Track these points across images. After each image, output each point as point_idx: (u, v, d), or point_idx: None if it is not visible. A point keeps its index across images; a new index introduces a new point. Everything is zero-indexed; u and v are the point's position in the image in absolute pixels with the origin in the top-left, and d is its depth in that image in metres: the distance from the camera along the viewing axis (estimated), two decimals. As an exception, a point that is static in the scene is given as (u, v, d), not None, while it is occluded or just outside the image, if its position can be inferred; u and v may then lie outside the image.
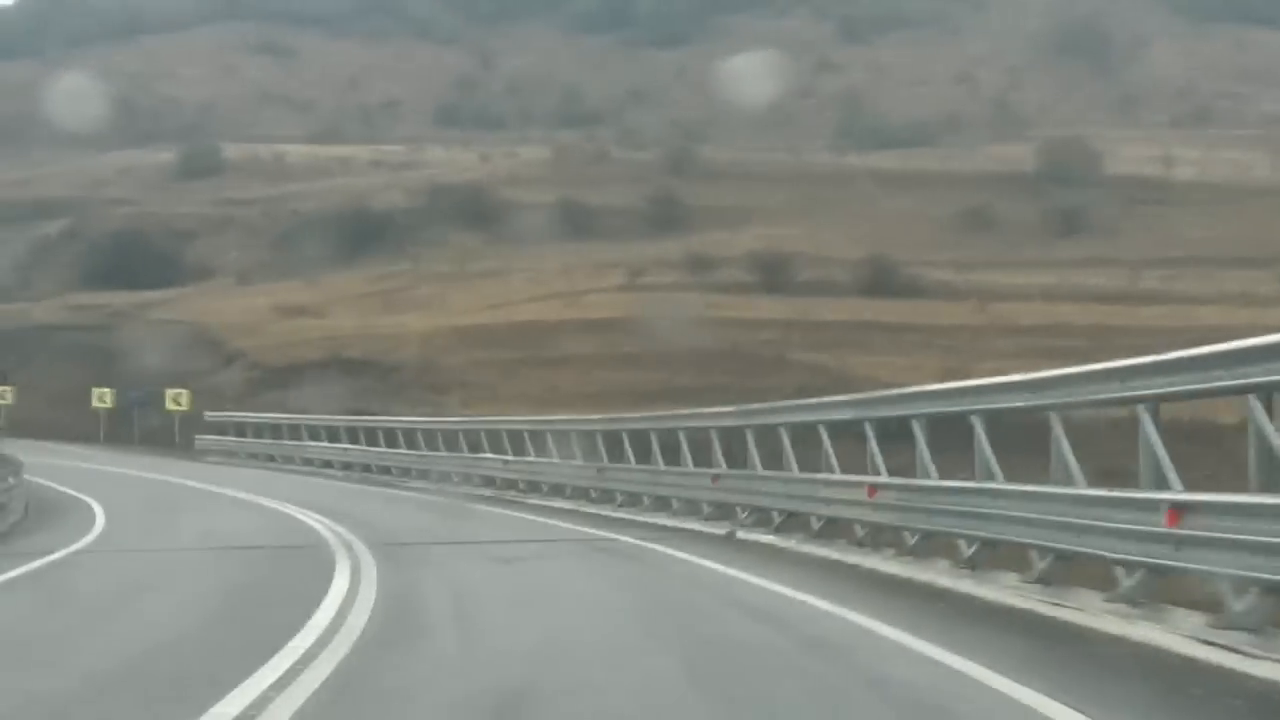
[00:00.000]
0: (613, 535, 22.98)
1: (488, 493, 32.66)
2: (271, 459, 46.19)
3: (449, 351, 69.81)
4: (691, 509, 25.15)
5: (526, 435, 32.21)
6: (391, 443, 37.81)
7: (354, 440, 39.14)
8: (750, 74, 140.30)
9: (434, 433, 36.22)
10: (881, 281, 77.40)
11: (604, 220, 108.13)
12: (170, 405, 59.98)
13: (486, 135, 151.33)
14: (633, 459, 27.39)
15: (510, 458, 32.05)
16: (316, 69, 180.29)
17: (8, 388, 70.84)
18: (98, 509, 29.85)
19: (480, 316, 77.39)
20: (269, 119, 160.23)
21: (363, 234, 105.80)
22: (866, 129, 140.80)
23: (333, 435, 42.16)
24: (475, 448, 33.87)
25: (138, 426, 63.13)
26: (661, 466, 26.28)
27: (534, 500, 30.47)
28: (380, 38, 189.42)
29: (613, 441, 28.20)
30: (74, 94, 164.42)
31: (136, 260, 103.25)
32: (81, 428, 64.14)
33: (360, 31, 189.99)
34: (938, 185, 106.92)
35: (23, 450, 52.56)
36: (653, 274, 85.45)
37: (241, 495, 32.90)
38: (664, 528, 24.16)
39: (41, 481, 36.36)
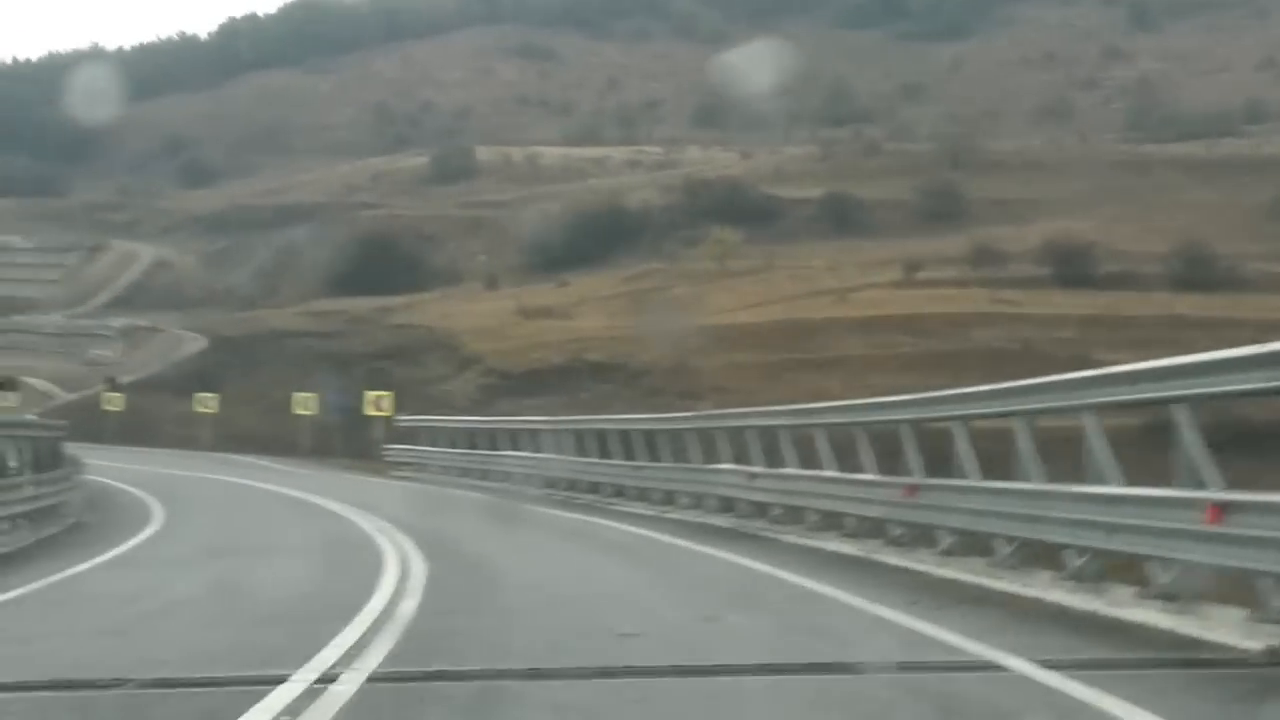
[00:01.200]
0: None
1: (722, 522, 24.15)
2: (466, 473, 39.76)
3: (704, 353, 62.87)
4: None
5: (784, 433, 22.74)
6: (608, 450, 30.45)
7: (561, 447, 32.32)
8: (1029, 65, 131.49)
9: (657, 434, 28.21)
10: (1195, 274, 68.60)
11: (874, 215, 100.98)
12: (370, 410, 53.89)
13: (748, 136, 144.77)
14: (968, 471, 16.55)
15: (760, 470, 23.74)
16: (575, 71, 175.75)
17: (116, 394, 68.75)
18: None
19: (740, 316, 70.46)
20: (525, 122, 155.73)
21: (615, 233, 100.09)
22: (1162, 118, 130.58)
23: (533, 441, 35.44)
24: (711, 455, 25.69)
25: (341, 434, 57.55)
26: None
27: (793, 538, 20.66)
28: (640, 38, 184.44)
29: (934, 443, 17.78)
30: (332, 101, 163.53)
31: (381, 265, 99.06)
32: (291, 438, 58.87)
33: (620, 32, 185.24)
34: (1247, 174, 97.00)
35: (201, 464, 47.97)
36: (931, 269, 77.94)
37: (361, 521, 25.99)
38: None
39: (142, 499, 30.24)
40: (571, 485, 32.26)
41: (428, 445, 45.43)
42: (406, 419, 50.54)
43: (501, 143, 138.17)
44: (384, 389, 60.17)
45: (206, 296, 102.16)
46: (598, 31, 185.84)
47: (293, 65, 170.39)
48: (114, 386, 69.72)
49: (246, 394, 69.68)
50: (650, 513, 26.61)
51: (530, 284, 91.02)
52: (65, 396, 74.69)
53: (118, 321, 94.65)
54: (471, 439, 41.73)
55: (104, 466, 42.62)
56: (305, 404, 58.55)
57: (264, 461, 51.05)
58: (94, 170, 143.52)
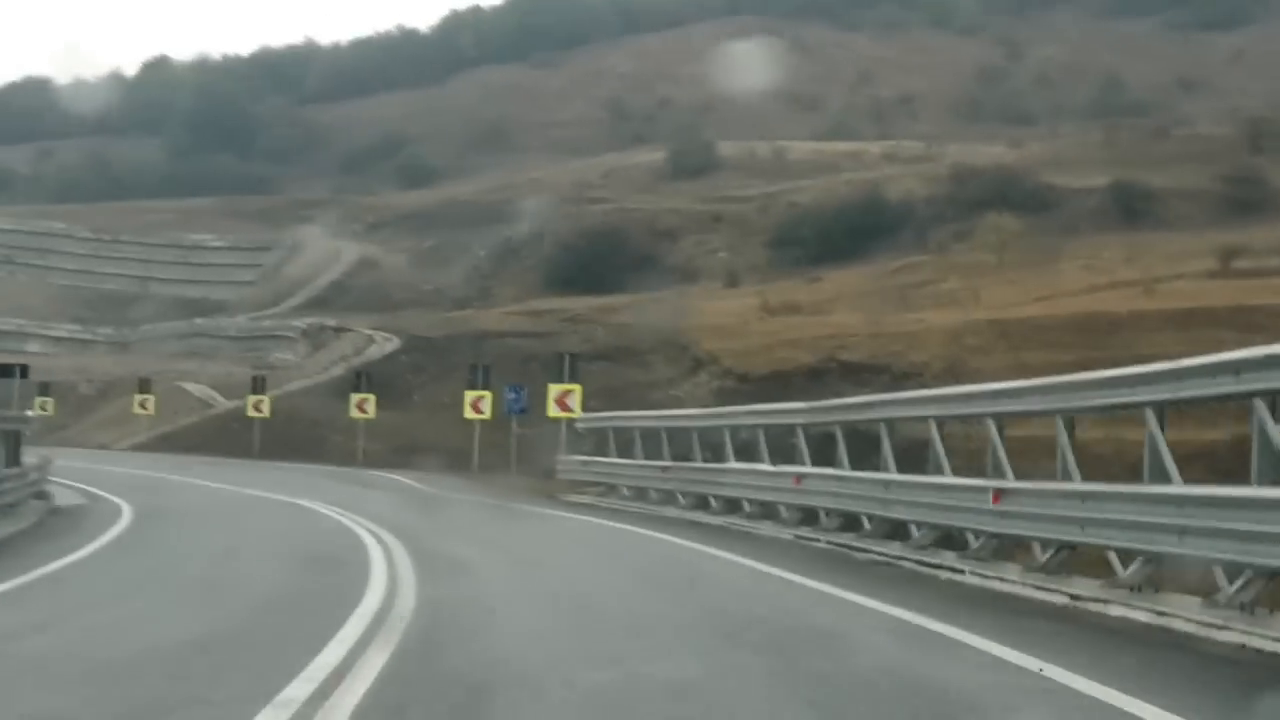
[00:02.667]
0: None
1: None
2: (670, 498, 30.04)
3: (984, 351, 52.62)
4: None
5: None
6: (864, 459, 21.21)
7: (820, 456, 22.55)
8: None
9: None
10: None
11: (1168, 204, 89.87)
12: (554, 412, 44.23)
13: (1012, 130, 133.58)
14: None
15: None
16: (823, 64, 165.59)
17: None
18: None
19: (1026, 310, 59.89)
20: (770, 117, 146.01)
21: (872, 226, 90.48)
22: None
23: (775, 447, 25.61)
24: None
25: (516, 444, 48.31)
26: None
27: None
28: (893, 29, 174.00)
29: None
30: (561, 98, 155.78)
31: (609, 262, 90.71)
32: (466, 448, 50.35)
33: (871, 23, 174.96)
34: None
35: (304, 483, 39.85)
36: (1249, 258, 66.93)
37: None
38: None
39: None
40: (849, 523, 22.47)
41: (621, 458, 36.00)
42: (588, 418, 40.90)
43: (744, 138, 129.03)
44: (603, 391, 50.94)
45: (414, 297, 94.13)
46: (846, 22, 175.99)
47: (518, 60, 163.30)
48: (259, 390, 61.98)
49: (434, 400, 61.16)
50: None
51: (775, 281, 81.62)
52: (225, 404, 66.89)
53: (301, 321, 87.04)
54: (682, 445, 31.82)
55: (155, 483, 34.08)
56: (478, 405, 49.54)
57: (409, 480, 43.00)
58: (305, 171, 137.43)
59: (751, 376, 56.01)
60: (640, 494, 32.39)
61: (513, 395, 49.59)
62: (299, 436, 61.32)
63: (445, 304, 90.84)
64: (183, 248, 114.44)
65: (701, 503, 28.19)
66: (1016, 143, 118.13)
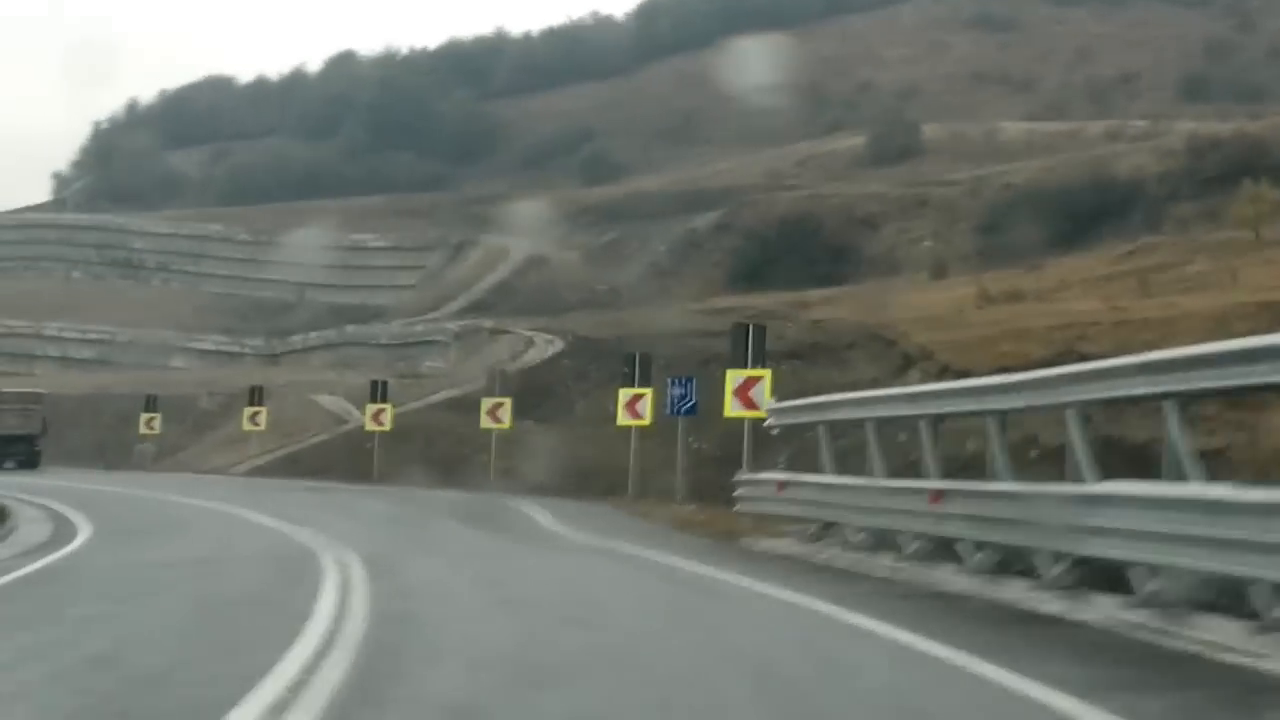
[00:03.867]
0: None
1: None
2: (953, 553, 18.26)
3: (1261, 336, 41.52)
4: None
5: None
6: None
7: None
8: None
9: None
10: None
11: None
12: (733, 410, 33.73)
13: (1245, 107, 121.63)
14: None
15: None
16: (1039, 42, 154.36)
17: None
18: None
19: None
20: (981, 99, 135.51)
21: (1097, 207, 79.92)
22: None
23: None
24: None
25: (685, 456, 38.04)
26: None
27: None
28: (1115, 5, 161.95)
29: None
30: (754, 85, 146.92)
31: (801, 254, 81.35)
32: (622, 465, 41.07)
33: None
34: None
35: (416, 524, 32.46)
36: None
37: None
38: None
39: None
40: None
41: (842, 475, 23.17)
42: (784, 407, 28.19)
43: (951, 120, 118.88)
44: (795, 394, 41.13)
45: (586, 298, 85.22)
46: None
47: (714, 46, 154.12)
48: (380, 398, 53.25)
49: (600, 411, 51.91)
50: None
51: (988, 269, 71.38)
52: (359, 419, 58.55)
53: (453, 323, 78.72)
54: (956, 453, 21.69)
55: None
56: (635, 407, 39.94)
57: (542, 516, 33.27)
58: (485, 169, 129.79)
59: (972, 372, 45.88)
60: (882, 540, 21.23)
61: (679, 390, 38.38)
62: (437, 455, 52.53)
63: (620, 304, 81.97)
64: (342, 249, 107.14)
65: (1011, 562, 17.27)
66: (1256, 116, 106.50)
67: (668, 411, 38.45)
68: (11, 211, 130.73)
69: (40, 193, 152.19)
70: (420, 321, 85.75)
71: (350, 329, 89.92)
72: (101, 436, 70.65)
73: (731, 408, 34.10)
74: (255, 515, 31.63)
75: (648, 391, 40.02)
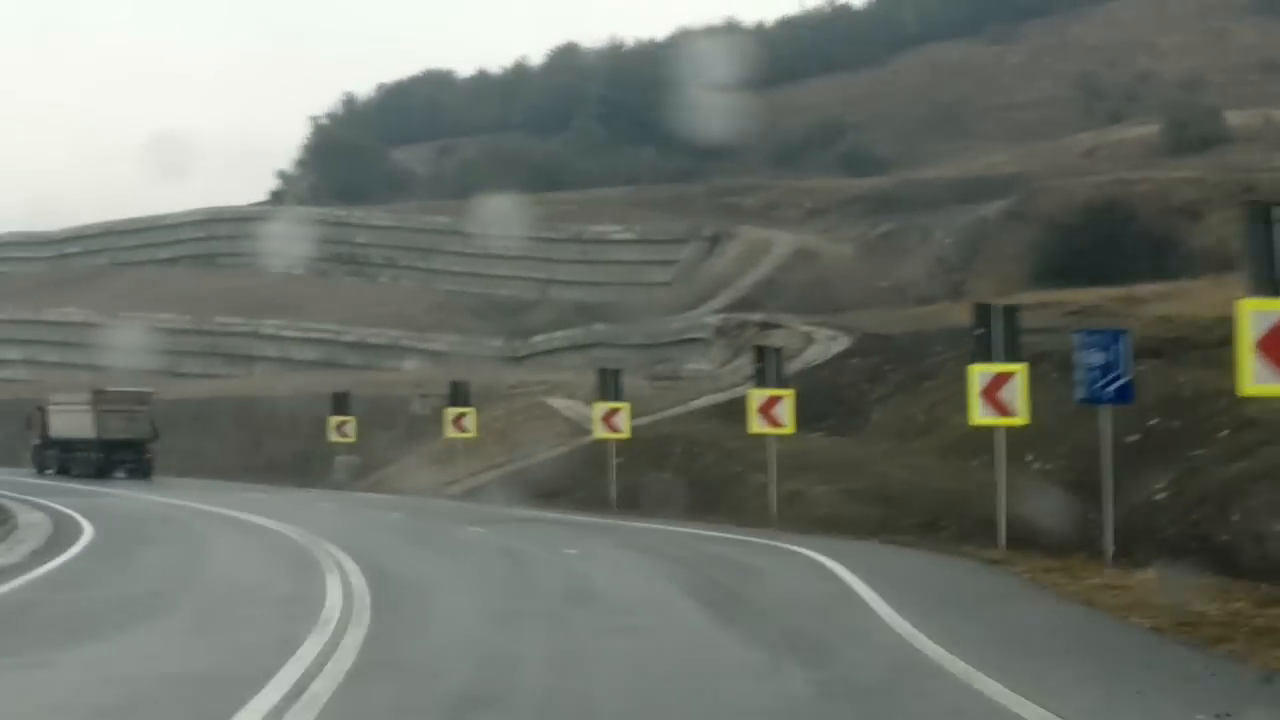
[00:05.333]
0: None
1: None
2: None
3: None
4: None
5: None
6: None
7: None
8: None
9: None
10: None
11: None
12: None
13: None
14: None
15: None
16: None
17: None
18: None
19: None
20: (1275, 90, 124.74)
21: None
22: None
23: None
24: None
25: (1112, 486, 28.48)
26: None
27: None
28: None
29: None
30: (1022, 75, 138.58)
31: (1113, 246, 72.32)
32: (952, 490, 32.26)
33: None
34: None
35: None
36: None
37: None
38: None
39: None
40: None
41: None
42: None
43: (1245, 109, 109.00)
44: (1167, 399, 33.75)
45: (864, 295, 76.65)
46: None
47: (970, 35, 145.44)
48: (612, 396, 44.41)
49: (901, 419, 43.62)
50: None
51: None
52: (589, 433, 50.43)
53: (715, 318, 70.65)
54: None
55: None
56: (998, 396, 28.94)
57: (877, 601, 20.04)
58: (729, 165, 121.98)
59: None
60: None
61: (1099, 356, 25.81)
62: (699, 473, 43.90)
63: (905, 301, 73.44)
64: (583, 242, 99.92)
65: None
66: None
67: (1079, 396, 26.30)
68: (228, 207, 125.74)
69: (264, 193, 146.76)
70: (679, 319, 77.61)
71: (599, 327, 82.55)
72: (304, 446, 63.39)
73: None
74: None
75: (1019, 370, 28.02)
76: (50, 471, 68.79)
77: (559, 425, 54.94)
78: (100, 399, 67.21)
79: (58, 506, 41.65)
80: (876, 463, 40.98)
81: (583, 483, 47.08)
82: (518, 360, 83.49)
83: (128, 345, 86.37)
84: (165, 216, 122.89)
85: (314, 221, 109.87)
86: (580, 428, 52.26)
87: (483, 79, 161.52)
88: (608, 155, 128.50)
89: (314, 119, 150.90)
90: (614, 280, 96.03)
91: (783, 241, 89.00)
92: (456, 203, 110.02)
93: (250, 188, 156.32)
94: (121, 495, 51.10)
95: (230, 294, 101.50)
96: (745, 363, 57.90)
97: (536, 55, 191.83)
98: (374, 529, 36.45)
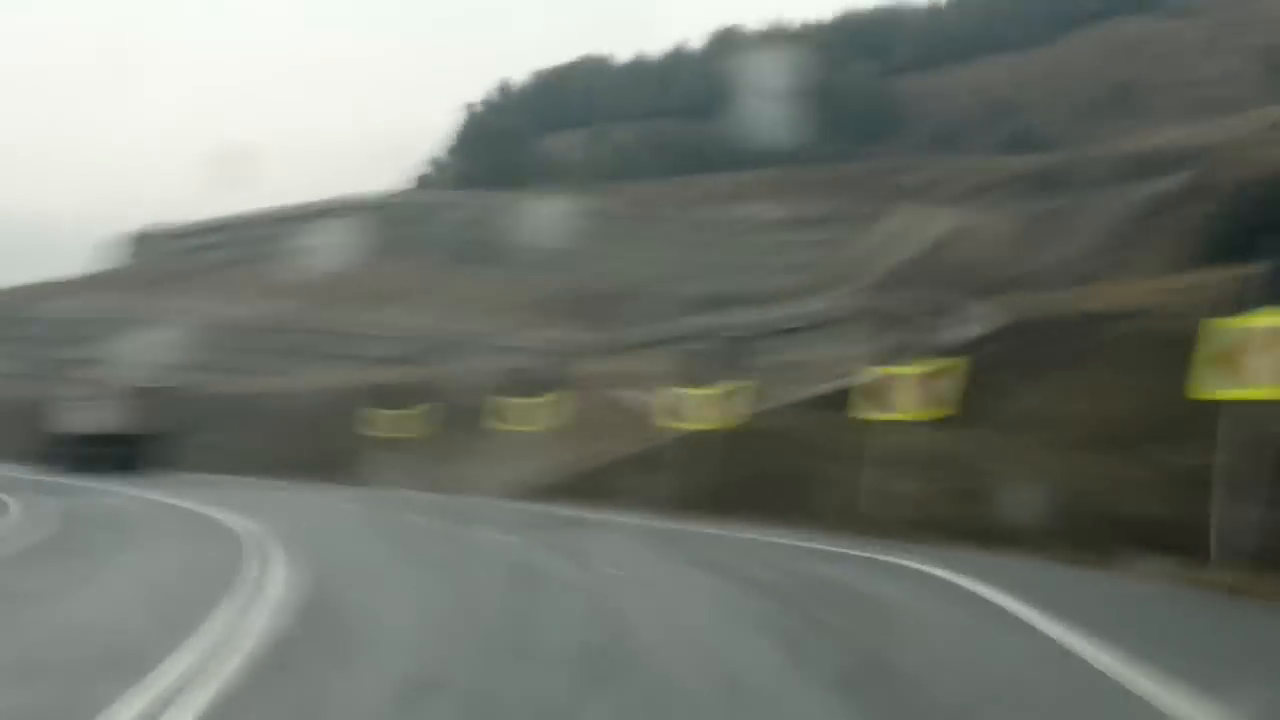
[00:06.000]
0: None
1: None
2: None
3: None
4: None
5: None
6: None
7: None
8: None
9: None
10: None
11: None
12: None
13: None
14: None
15: None
16: None
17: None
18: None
19: None
20: None
21: None
22: None
23: None
24: None
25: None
26: None
27: None
28: None
29: None
30: (1203, 50, 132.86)
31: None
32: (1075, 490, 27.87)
33: None
34: None
35: None
36: None
37: None
38: None
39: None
40: None
41: None
42: None
43: None
44: None
45: (1021, 275, 72.34)
46: None
47: (1147, 11, 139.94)
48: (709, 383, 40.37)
49: (1036, 412, 39.62)
50: None
51: None
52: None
53: (851, 300, 66.90)
54: None
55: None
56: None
57: None
58: (889, 150, 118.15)
59: None
60: None
61: None
62: (784, 470, 39.73)
63: (1066, 281, 69.14)
64: (727, 224, 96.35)
65: None
66: None
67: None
68: (366, 195, 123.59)
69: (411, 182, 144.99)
70: (817, 299, 73.78)
71: (705, 319, 78.95)
72: (353, 442, 60.51)
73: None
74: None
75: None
76: (59, 469, 66.47)
77: (635, 419, 51.03)
78: (108, 393, 66.42)
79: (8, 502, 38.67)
80: (998, 459, 36.60)
81: (652, 481, 42.77)
82: (617, 353, 79.71)
83: (200, 342, 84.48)
84: (286, 209, 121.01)
85: (449, 206, 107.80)
86: (659, 421, 48.63)
87: (640, 64, 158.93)
88: (765, 139, 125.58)
89: (468, 106, 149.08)
90: (755, 264, 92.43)
91: (940, 219, 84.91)
92: (597, 187, 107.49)
93: (400, 176, 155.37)
94: (107, 491, 47.31)
95: (315, 289, 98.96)
96: (872, 349, 53.95)
97: (696, 39, 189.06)
98: (370, 535, 30.74)
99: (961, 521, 29.28)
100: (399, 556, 24.86)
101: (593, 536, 30.08)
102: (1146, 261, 69.69)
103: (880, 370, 33.66)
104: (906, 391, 32.85)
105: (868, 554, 24.83)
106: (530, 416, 46.98)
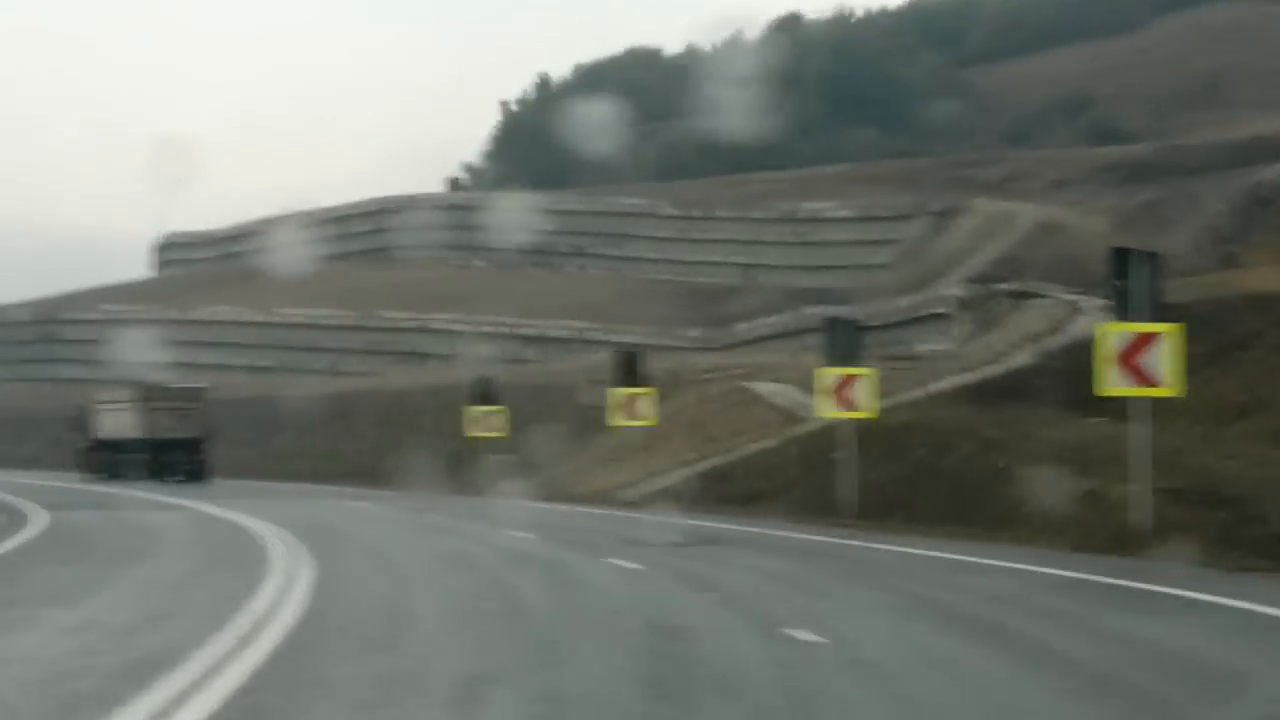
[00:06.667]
0: None
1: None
2: None
3: None
4: None
5: None
6: None
7: None
8: None
9: None
10: None
11: None
12: None
13: None
14: None
15: None
16: None
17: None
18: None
19: None
20: None
21: None
22: None
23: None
24: None
25: None
26: None
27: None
28: None
29: None
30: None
31: None
32: None
33: None
34: None
35: None
36: None
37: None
38: None
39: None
40: None
41: None
42: None
43: None
44: None
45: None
46: None
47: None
48: (843, 359, 34.05)
49: (1212, 396, 33.87)
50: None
51: None
52: (804, 421, 41.30)
53: (959, 288, 61.45)
54: None
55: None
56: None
57: None
58: (961, 141, 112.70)
59: None
60: None
61: None
62: (948, 473, 34.15)
63: (1172, 274, 63.45)
64: (795, 222, 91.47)
65: None
66: None
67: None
68: (404, 196, 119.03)
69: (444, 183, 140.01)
70: (907, 299, 68.69)
71: (811, 311, 74.03)
72: (454, 445, 55.05)
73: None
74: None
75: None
76: (100, 476, 65.55)
77: (764, 413, 45.91)
78: (148, 395, 64.59)
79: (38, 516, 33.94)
80: (1193, 453, 30.86)
81: (796, 482, 37.49)
82: (718, 351, 75.23)
83: (280, 343, 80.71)
84: (333, 209, 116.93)
85: (495, 208, 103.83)
86: (793, 415, 43.32)
87: (691, 56, 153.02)
88: (825, 135, 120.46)
89: (504, 104, 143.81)
90: (828, 263, 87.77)
91: (1025, 214, 79.58)
92: (651, 185, 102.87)
93: (433, 178, 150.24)
94: (159, 503, 43.00)
95: (399, 287, 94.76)
96: (996, 339, 48.89)
97: (753, 31, 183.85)
98: (443, 568, 23.84)
99: (1211, 531, 23.56)
100: (475, 615, 17.03)
101: (752, 565, 23.22)
102: (1255, 254, 64.03)
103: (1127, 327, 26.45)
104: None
105: (1157, 587, 18.91)
106: (651, 410, 40.94)
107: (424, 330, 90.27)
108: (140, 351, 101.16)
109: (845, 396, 33.28)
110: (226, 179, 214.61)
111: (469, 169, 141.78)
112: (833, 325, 35.34)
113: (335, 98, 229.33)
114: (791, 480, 37.46)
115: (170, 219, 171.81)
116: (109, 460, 65.90)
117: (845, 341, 34.30)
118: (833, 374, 33.52)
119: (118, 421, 65.53)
